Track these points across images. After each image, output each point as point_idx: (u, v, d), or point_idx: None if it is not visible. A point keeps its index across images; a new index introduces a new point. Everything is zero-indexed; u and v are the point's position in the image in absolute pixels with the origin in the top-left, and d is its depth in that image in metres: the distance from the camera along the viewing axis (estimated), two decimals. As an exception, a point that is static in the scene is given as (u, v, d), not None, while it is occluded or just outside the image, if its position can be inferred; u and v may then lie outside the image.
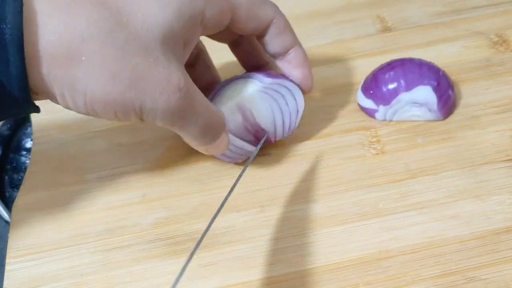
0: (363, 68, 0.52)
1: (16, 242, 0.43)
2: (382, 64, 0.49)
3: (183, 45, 0.37)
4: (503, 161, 0.44)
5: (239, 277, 0.39)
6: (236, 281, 0.39)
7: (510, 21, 0.56)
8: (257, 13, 0.41)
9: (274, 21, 0.42)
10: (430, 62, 0.48)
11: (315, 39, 0.58)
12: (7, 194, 0.50)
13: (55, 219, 0.44)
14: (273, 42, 0.43)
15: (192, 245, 0.41)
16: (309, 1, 0.63)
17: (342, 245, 0.40)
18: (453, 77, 0.50)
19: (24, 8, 0.31)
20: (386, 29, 0.58)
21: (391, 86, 0.47)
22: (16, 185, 0.50)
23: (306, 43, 0.57)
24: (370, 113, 0.49)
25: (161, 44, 0.35)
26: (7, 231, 0.45)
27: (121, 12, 0.33)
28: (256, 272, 0.39)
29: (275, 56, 0.44)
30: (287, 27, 0.43)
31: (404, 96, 0.47)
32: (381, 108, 0.48)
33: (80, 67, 0.32)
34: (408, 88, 0.47)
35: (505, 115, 0.47)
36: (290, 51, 0.44)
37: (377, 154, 0.46)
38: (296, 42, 0.44)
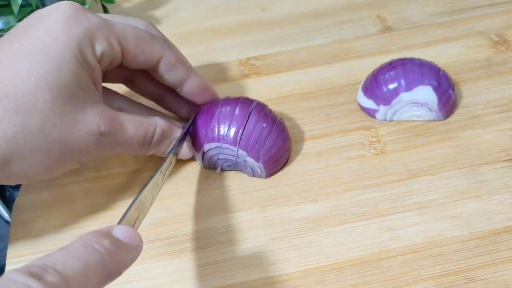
0: (363, 68, 0.52)
1: (17, 242, 0.43)
2: (382, 64, 0.49)
3: (91, 86, 0.39)
4: (503, 161, 0.44)
5: (239, 277, 0.39)
6: (236, 281, 0.39)
7: (511, 20, 0.56)
8: (144, 50, 0.41)
9: (163, 57, 0.42)
10: (431, 62, 0.48)
11: (315, 39, 0.57)
12: (7, 194, 0.50)
13: (56, 219, 0.44)
14: (165, 76, 0.44)
15: (191, 245, 0.42)
16: (309, 1, 0.62)
17: (342, 245, 0.40)
18: (453, 77, 0.50)
19: None
20: (387, 29, 0.58)
21: (391, 86, 0.47)
22: (16, 185, 0.50)
23: (306, 43, 0.57)
24: (370, 113, 0.49)
25: (74, 102, 0.37)
26: (8, 231, 0.45)
27: (26, 94, 0.35)
28: (256, 272, 0.39)
29: (173, 87, 0.45)
30: (178, 61, 0.43)
31: (405, 96, 0.47)
32: (382, 108, 0.48)
33: (14, 165, 0.35)
34: (409, 88, 0.46)
35: (506, 115, 0.47)
36: (186, 82, 0.44)
37: (377, 154, 0.46)
38: (189, 73, 0.44)
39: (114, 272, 0.28)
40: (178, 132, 0.44)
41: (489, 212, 0.41)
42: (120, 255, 0.28)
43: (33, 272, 0.24)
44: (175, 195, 0.45)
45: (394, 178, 0.44)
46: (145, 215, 0.37)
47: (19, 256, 0.42)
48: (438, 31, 0.56)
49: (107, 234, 0.29)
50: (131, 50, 0.40)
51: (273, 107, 0.50)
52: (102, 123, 0.38)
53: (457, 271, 0.38)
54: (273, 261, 0.40)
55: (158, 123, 0.42)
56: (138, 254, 0.30)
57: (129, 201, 0.44)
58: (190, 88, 0.45)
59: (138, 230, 0.41)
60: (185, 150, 0.45)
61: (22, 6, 0.55)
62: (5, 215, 0.47)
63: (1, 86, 0.34)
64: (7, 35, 0.38)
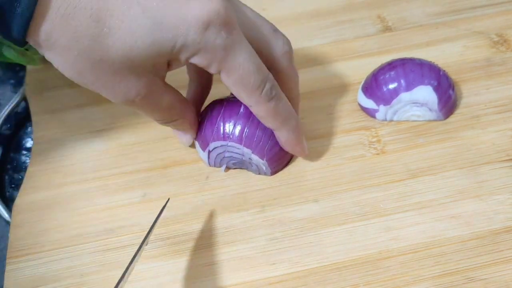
0: (363, 68, 0.52)
1: (17, 242, 0.43)
2: (382, 64, 0.49)
3: (169, 66, 0.38)
4: (503, 161, 0.44)
5: (240, 277, 0.39)
6: (237, 281, 0.39)
7: (511, 20, 0.56)
8: (237, 92, 0.39)
9: (252, 106, 0.41)
10: (431, 62, 0.48)
11: (315, 39, 0.57)
12: (7, 193, 0.50)
13: (55, 219, 0.44)
14: None
15: (192, 245, 0.41)
16: (309, 0, 0.62)
17: (342, 245, 0.40)
18: (453, 77, 0.50)
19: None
20: (387, 29, 0.58)
21: (391, 86, 0.47)
22: (16, 185, 0.50)
23: (306, 43, 0.57)
24: (370, 113, 0.49)
25: (139, 72, 0.36)
26: (7, 231, 0.45)
27: (110, 33, 0.34)
28: (256, 272, 0.39)
29: None
30: (268, 115, 0.41)
31: (405, 96, 0.47)
32: (382, 108, 0.48)
33: (52, 51, 0.35)
34: (409, 88, 0.46)
35: (506, 115, 0.47)
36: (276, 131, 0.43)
37: (378, 154, 0.46)
38: (280, 127, 0.42)
39: None
40: (189, 113, 0.43)
41: (489, 212, 0.41)
42: None
43: None
44: (176, 194, 0.45)
45: (395, 178, 0.44)
46: None
47: (19, 256, 0.42)
48: (438, 31, 0.56)
49: None
50: (226, 82, 0.38)
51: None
52: (143, 93, 0.38)
53: (457, 271, 0.38)
54: (274, 261, 0.40)
55: (186, 114, 0.43)
56: None
57: (129, 201, 0.45)
58: (278, 139, 0.43)
59: (139, 232, 0.42)
60: (187, 137, 0.45)
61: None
62: (5, 215, 0.47)
63: (103, 9, 0.34)
64: None
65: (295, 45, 0.56)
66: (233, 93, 0.40)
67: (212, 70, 0.38)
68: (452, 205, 0.42)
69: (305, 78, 0.53)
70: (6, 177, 0.51)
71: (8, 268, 0.42)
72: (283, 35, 0.42)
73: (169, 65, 0.38)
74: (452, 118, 0.48)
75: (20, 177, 0.51)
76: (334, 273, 0.39)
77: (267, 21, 0.42)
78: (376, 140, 0.47)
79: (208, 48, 0.36)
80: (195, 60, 0.37)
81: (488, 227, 0.40)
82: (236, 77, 0.38)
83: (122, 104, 0.38)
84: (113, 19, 0.34)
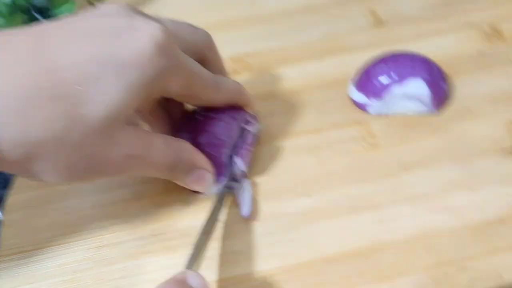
0: (355, 62, 0.52)
1: (9, 242, 0.43)
2: (374, 58, 0.49)
3: (139, 110, 0.38)
4: (495, 152, 0.44)
5: (232, 271, 0.39)
6: (229, 275, 0.39)
7: (503, 12, 0.56)
8: (200, 97, 0.41)
9: (211, 102, 0.42)
10: (423, 55, 0.48)
11: (306, 33, 0.57)
12: None
13: (47, 217, 0.44)
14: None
15: (184, 241, 0.41)
16: (301, -4, 0.62)
17: (335, 238, 0.40)
18: (446, 69, 0.50)
19: None
20: (379, 23, 0.58)
21: (383, 80, 0.47)
22: (8, 184, 0.50)
23: (298, 38, 0.57)
24: (362, 107, 0.49)
25: (121, 124, 0.35)
26: (0, 230, 0.44)
27: (80, 102, 0.32)
28: (249, 265, 0.39)
29: None
30: (224, 103, 0.43)
31: (397, 90, 0.47)
32: (374, 102, 0.47)
33: (35, 165, 0.33)
34: (400, 81, 0.46)
35: (498, 107, 0.47)
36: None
37: (370, 148, 0.46)
38: (240, 91, 0.45)
39: None
40: (202, 160, 0.41)
41: (481, 203, 0.41)
42: None
43: None
44: (168, 191, 0.45)
45: (388, 172, 0.44)
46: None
47: (12, 254, 0.42)
48: (430, 24, 0.56)
49: (184, 283, 0.31)
50: (187, 95, 0.40)
51: (264, 103, 0.50)
52: (140, 146, 0.36)
53: (450, 261, 0.38)
54: (267, 254, 0.40)
55: (185, 148, 0.40)
56: None
57: (121, 198, 0.45)
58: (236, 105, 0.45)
59: (131, 229, 0.42)
60: (205, 178, 0.42)
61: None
62: (-2, 214, 0.47)
63: (59, 86, 0.32)
64: (76, 28, 0.34)
65: (286, 40, 0.57)
66: (195, 102, 0.42)
67: (179, 91, 0.38)
68: (445, 196, 0.42)
69: (296, 73, 0.53)
70: (-1, 176, 0.51)
71: (1, 266, 0.41)
72: (201, 29, 0.43)
73: (140, 110, 0.38)
74: (444, 111, 0.48)
75: (11, 176, 0.50)
76: (326, 265, 0.39)
77: (182, 22, 0.42)
78: (369, 135, 0.47)
79: (173, 67, 0.36)
80: (171, 86, 0.37)
81: (480, 217, 0.40)
82: (196, 84, 0.39)
83: (130, 169, 0.37)
84: (73, 87, 0.32)
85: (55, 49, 0.33)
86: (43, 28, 0.34)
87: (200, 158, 0.41)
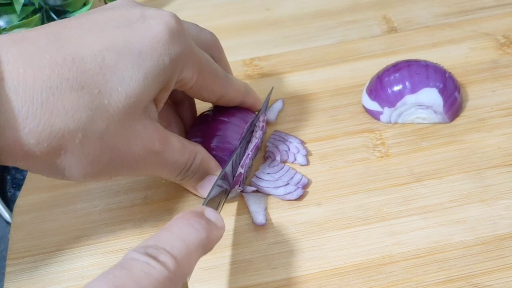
0: (368, 69, 0.52)
1: (17, 244, 0.43)
2: (387, 66, 0.49)
3: (156, 103, 0.38)
4: (509, 165, 0.44)
5: (241, 281, 0.39)
6: (238, 285, 0.39)
7: (518, 22, 0.56)
8: (212, 88, 0.41)
9: (224, 95, 0.43)
10: (436, 63, 0.48)
11: (319, 40, 0.57)
12: (9, 194, 0.50)
13: (56, 220, 0.44)
14: (222, 104, 0.44)
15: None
16: (314, 1, 0.62)
17: (345, 250, 0.40)
18: (459, 79, 0.50)
19: (1, 110, 0.30)
20: (392, 30, 0.57)
21: (396, 88, 0.46)
22: (18, 185, 0.50)
23: (311, 43, 0.57)
24: (374, 115, 0.48)
25: (140, 115, 0.35)
26: (8, 232, 0.44)
27: (103, 92, 0.33)
28: (258, 276, 0.39)
29: None
30: (237, 97, 0.44)
31: (410, 99, 0.46)
32: (386, 110, 0.47)
33: (58, 159, 0.33)
34: (414, 90, 0.46)
35: (512, 118, 0.47)
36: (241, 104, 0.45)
37: (382, 157, 0.45)
38: (244, 99, 0.45)
39: (208, 249, 0.31)
40: (214, 166, 0.42)
41: (494, 217, 0.40)
42: (212, 234, 0.31)
43: (150, 254, 0.28)
44: (177, 197, 0.45)
45: (399, 182, 0.43)
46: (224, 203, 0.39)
47: (20, 258, 0.42)
48: (444, 32, 0.56)
49: (202, 215, 0.32)
50: (201, 86, 0.40)
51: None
52: (158, 141, 0.36)
53: (462, 277, 0.37)
54: (275, 265, 0.39)
55: (199, 151, 0.41)
56: (222, 234, 0.33)
57: (131, 203, 0.45)
58: (245, 106, 0.45)
59: (140, 234, 0.42)
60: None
61: (24, 5, 0.55)
62: (6, 215, 0.47)
63: (81, 75, 0.32)
64: (91, 20, 0.35)
65: (299, 45, 0.57)
66: (207, 95, 0.41)
67: (193, 80, 0.38)
68: (457, 209, 0.41)
69: (309, 79, 0.53)
70: (8, 177, 0.51)
71: (8, 269, 0.41)
72: (207, 29, 0.44)
73: (156, 102, 0.37)
74: (457, 121, 0.47)
75: (22, 177, 0.50)
76: (336, 278, 0.38)
77: (189, 22, 0.42)
78: (380, 143, 0.46)
79: (187, 53, 0.36)
80: (186, 73, 0.37)
81: (493, 232, 0.39)
82: (208, 72, 0.40)
83: (147, 165, 0.37)
84: (94, 76, 0.32)
85: (73, 40, 0.33)
86: (60, 23, 0.34)
87: (212, 163, 0.41)
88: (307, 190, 0.44)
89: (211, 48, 0.43)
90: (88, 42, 0.33)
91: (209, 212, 0.32)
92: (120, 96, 0.33)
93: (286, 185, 0.43)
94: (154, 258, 0.28)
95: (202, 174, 0.41)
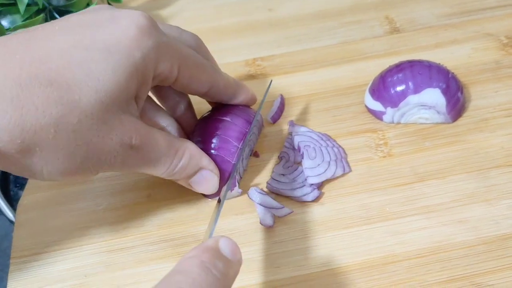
0: (370, 70, 0.52)
1: (20, 242, 0.43)
2: (390, 66, 0.49)
3: (136, 100, 0.37)
4: (512, 165, 0.44)
5: (244, 280, 0.39)
6: (241, 284, 0.39)
7: (521, 22, 0.56)
8: (199, 79, 0.41)
9: (213, 85, 0.43)
10: (439, 64, 0.48)
11: (322, 40, 0.57)
12: (11, 193, 0.50)
13: (59, 219, 0.44)
14: (213, 99, 0.45)
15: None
16: (316, 2, 0.62)
17: (347, 249, 0.40)
18: (462, 79, 0.50)
19: None
20: (394, 30, 0.57)
21: (399, 88, 0.46)
22: (21, 184, 0.50)
23: (313, 44, 0.57)
24: (377, 115, 0.48)
25: (117, 110, 0.35)
26: (12, 230, 0.45)
27: (72, 87, 0.33)
28: (260, 275, 0.39)
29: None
30: (226, 86, 0.44)
31: (413, 99, 0.46)
32: (389, 111, 0.47)
33: (34, 156, 0.33)
34: (417, 90, 0.46)
35: (515, 118, 0.47)
36: (234, 99, 0.45)
37: (384, 157, 0.45)
38: (235, 92, 0.45)
39: (228, 287, 0.29)
40: (205, 161, 0.42)
41: (497, 216, 0.40)
42: (229, 274, 0.29)
43: None
44: (180, 196, 0.45)
45: (401, 182, 0.44)
46: None
47: (23, 256, 0.42)
48: (447, 32, 0.56)
49: (218, 252, 0.29)
50: (187, 78, 0.40)
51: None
52: (135, 136, 0.36)
53: (464, 276, 0.37)
54: (278, 264, 0.40)
55: (188, 147, 0.41)
56: (239, 268, 0.30)
57: (134, 202, 0.45)
58: (237, 103, 0.46)
59: (143, 233, 0.42)
60: (210, 179, 0.42)
61: (28, 5, 0.55)
62: (9, 214, 0.47)
63: (50, 72, 0.32)
64: (62, 22, 0.36)
65: (302, 46, 0.57)
66: (196, 86, 0.41)
67: (174, 72, 0.39)
68: (460, 209, 0.41)
69: (312, 80, 0.53)
70: (11, 176, 0.51)
71: (12, 268, 0.41)
72: (189, 31, 0.44)
73: (136, 99, 0.37)
74: (460, 121, 0.47)
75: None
76: (339, 277, 0.38)
77: (171, 25, 0.43)
78: (383, 143, 0.47)
79: (160, 47, 0.37)
80: (164, 66, 0.37)
81: (496, 232, 0.40)
82: (192, 63, 0.40)
83: (129, 161, 0.37)
84: (62, 72, 0.33)
85: (43, 40, 0.34)
86: (32, 29, 0.35)
87: (203, 159, 0.41)
88: (323, 191, 0.44)
89: (195, 48, 0.43)
90: (57, 41, 0.34)
91: (225, 246, 0.30)
92: (90, 91, 0.33)
93: (302, 186, 0.43)
94: None
95: (193, 170, 0.41)
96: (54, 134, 0.32)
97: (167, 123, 0.44)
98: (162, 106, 0.45)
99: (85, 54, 0.34)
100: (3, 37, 0.34)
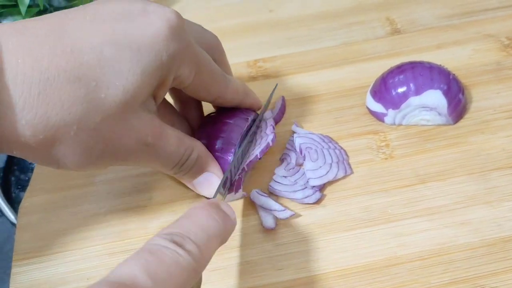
0: (372, 71, 0.52)
1: (22, 245, 0.43)
2: (391, 67, 0.49)
3: (155, 99, 0.38)
4: (514, 167, 0.44)
5: (247, 282, 0.39)
6: (244, 286, 0.39)
7: (522, 24, 0.56)
8: (209, 88, 0.41)
9: (221, 96, 0.43)
10: (440, 65, 0.48)
11: (323, 41, 0.57)
12: (13, 195, 0.50)
13: (62, 221, 0.44)
14: (219, 104, 0.45)
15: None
16: (318, 2, 0.62)
17: (349, 251, 0.40)
18: (463, 80, 0.50)
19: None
20: (396, 32, 0.57)
21: (400, 90, 0.46)
22: (22, 186, 0.50)
23: (315, 45, 0.57)
24: (379, 117, 0.48)
25: (136, 109, 0.35)
26: (13, 233, 0.45)
27: (99, 85, 0.33)
28: (263, 277, 0.39)
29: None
30: (234, 97, 0.44)
31: (414, 100, 0.46)
32: (390, 112, 0.47)
33: (53, 149, 0.33)
34: (418, 92, 0.46)
35: (516, 120, 0.47)
36: (240, 104, 0.46)
37: (386, 158, 0.45)
38: (243, 99, 0.45)
39: (224, 241, 0.32)
40: (211, 163, 0.42)
41: (499, 218, 0.40)
42: (228, 226, 0.32)
43: (177, 242, 0.28)
44: (182, 198, 0.45)
45: (403, 183, 0.44)
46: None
47: (25, 258, 0.42)
48: (448, 34, 0.56)
49: (218, 207, 0.32)
50: (198, 85, 0.40)
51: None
52: (151, 134, 0.37)
53: (467, 279, 0.37)
54: (280, 266, 0.40)
55: (196, 146, 0.41)
56: (235, 227, 0.33)
57: (136, 204, 0.45)
58: (243, 107, 0.46)
59: (145, 236, 0.42)
60: (210, 179, 0.43)
61: (29, 6, 0.55)
62: (11, 216, 0.47)
63: (79, 67, 0.32)
64: (93, 12, 0.35)
65: (303, 47, 0.57)
66: (204, 95, 0.41)
67: (190, 78, 0.38)
68: (462, 211, 0.41)
69: (313, 81, 0.53)
70: (13, 178, 0.51)
71: (14, 270, 0.41)
72: (209, 31, 0.44)
73: (155, 98, 0.37)
74: (461, 123, 0.47)
75: (27, 178, 0.50)
76: (341, 280, 0.38)
77: (194, 23, 0.43)
78: (385, 145, 0.47)
79: (185, 50, 0.36)
80: (183, 70, 0.37)
81: (498, 234, 0.40)
82: (206, 72, 0.40)
83: (141, 157, 0.37)
84: (92, 69, 0.32)
85: (73, 31, 0.33)
86: (61, 14, 0.34)
87: (210, 161, 0.42)
88: (324, 193, 0.44)
89: (213, 49, 0.43)
90: (88, 34, 0.33)
91: (224, 205, 0.33)
92: (117, 90, 0.33)
93: (303, 188, 0.43)
94: (181, 246, 0.28)
95: (198, 170, 0.41)
96: (76, 131, 0.33)
97: (178, 120, 0.45)
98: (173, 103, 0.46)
99: (115, 51, 0.33)
100: (30, 21, 0.33)
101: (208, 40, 0.43)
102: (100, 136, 0.34)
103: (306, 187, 0.43)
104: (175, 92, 0.45)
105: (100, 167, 0.37)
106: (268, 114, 0.48)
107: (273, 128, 0.46)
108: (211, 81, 0.41)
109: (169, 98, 0.46)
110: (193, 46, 0.38)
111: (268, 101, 0.48)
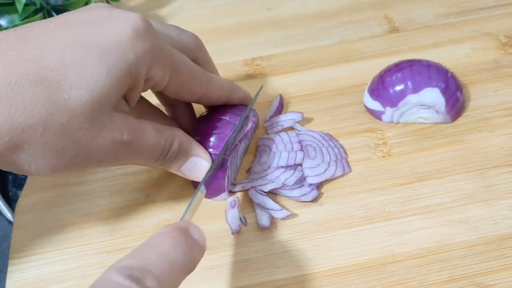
0: (369, 69, 0.52)
1: (19, 243, 0.43)
2: (389, 65, 0.49)
3: (128, 101, 0.37)
4: (511, 165, 0.44)
5: (244, 280, 0.39)
6: (241, 284, 0.39)
7: (520, 22, 0.56)
8: (190, 88, 0.41)
9: (205, 95, 0.42)
10: (438, 63, 0.48)
11: (320, 40, 0.57)
12: (10, 193, 0.50)
13: (58, 219, 0.44)
14: (205, 104, 0.45)
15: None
16: (316, 1, 0.62)
17: (347, 249, 0.40)
18: (461, 78, 0.50)
19: None
20: (393, 30, 0.57)
21: (398, 88, 0.46)
22: (19, 185, 0.50)
23: (312, 43, 0.57)
24: (376, 115, 0.48)
25: (108, 109, 0.35)
26: (10, 231, 0.44)
27: (62, 87, 0.32)
28: (260, 275, 0.39)
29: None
30: (220, 96, 0.44)
31: (412, 98, 0.46)
32: (388, 110, 0.47)
33: (22, 153, 0.33)
34: (416, 90, 0.46)
35: (514, 118, 0.47)
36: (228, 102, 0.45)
37: (384, 156, 0.45)
38: (230, 96, 0.45)
39: (191, 271, 0.30)
40: (195, 147, 0.42)
41: (497, 216, 0.40)
42: (196, 255, 0.30)
43: (135, 277, 0.26)
44: (179, 196, 0.45)
45: (401, 181, 0.43)
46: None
47: (21, 257, 0.42)
48: (446, 32, 0.56)
49: (187, 233, 0.30)
50: (177, 85, 0.40)
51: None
52: (126, 132, 0.36)
53: (464, 276, 0.37)
54: (278, 264, 0.39)
55: (177, 135, 0.40)
56: (203, 255, 0.31)
57: (132, 202, 0.45)
58: (232, 103, 0.46)
59: (141, 234, 0.41)
60: (199, 161, 0.42)
61: (26, 4, 0.55)
62: (8, 215, 0.47)
63: (41, 71, 0.32)
64: (58, 20, 0.35)
65: (300, 45, 0.57)
66: (187, 95, 0.41)
67: (165, 79, 0.38)
68: (459, 209, 0.41)
69: (311, 79, 0.53)
70: (10, 176, 0.51)
71: (10, 268, 0.41)
72: (188, 31, 0.44)
73: (128, 100, 0.37)
74: (459, 121, 0.47)
75: (24, 176, 0.50)
76: (338, 277, 0.38)
77: (170, 24, 0.42)
78: (382, 143, 0.46)
79: (155, 51, 0.36)
80: (155, 71, 0.37)
81: (495, 232, 0.39)
82: (184, 72, 0.39)
83: (120, 156, 0.37)
84: (54, 72, 0.32)
85: (39, 37, 0.33)
86: (30, 25, 0.35)
87: (194, 145, 0.41)
88: (322, 191, 0.44)
89: (194, 49, 0.43)
90: (52, 39, 0.33)
91: (194, 230, 0.31)
92: (81, 90, 0.33)
93: (301, 186, 0.43)
94: (140, 283, 0.26)
95: (183, 157, 0.41)
96: (42, 132, 0.32)
97: (154, 113, 0.45)
98: (163, 106, 0.46)
99: (79, 53, 0.33)
100: (1, 32, 0.33)
101: (185, 40, 0.43)
102: (70, 137, 0.34)
103: (303, 185, 0.43)
104: (162, 96, 0.45)
105: (75, 170, 0.36)
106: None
107: (253, 125, 0.46)
108: (191, 81, 0.41)
109: (161, 106, 0.46)
110: (164, 47, 0.38)
111: (253, 103, 0.47)
